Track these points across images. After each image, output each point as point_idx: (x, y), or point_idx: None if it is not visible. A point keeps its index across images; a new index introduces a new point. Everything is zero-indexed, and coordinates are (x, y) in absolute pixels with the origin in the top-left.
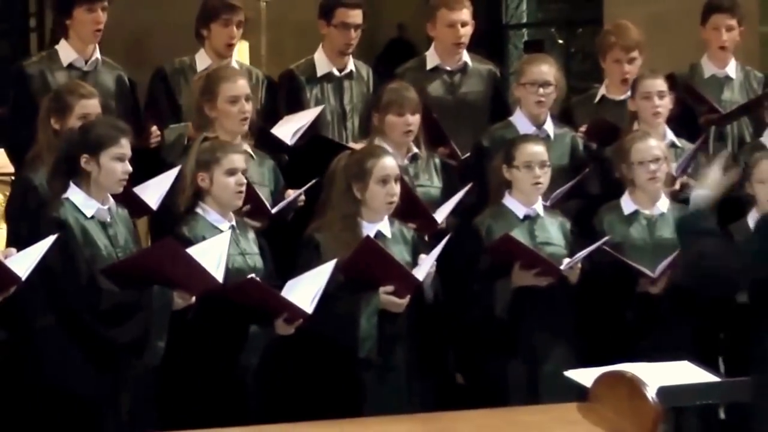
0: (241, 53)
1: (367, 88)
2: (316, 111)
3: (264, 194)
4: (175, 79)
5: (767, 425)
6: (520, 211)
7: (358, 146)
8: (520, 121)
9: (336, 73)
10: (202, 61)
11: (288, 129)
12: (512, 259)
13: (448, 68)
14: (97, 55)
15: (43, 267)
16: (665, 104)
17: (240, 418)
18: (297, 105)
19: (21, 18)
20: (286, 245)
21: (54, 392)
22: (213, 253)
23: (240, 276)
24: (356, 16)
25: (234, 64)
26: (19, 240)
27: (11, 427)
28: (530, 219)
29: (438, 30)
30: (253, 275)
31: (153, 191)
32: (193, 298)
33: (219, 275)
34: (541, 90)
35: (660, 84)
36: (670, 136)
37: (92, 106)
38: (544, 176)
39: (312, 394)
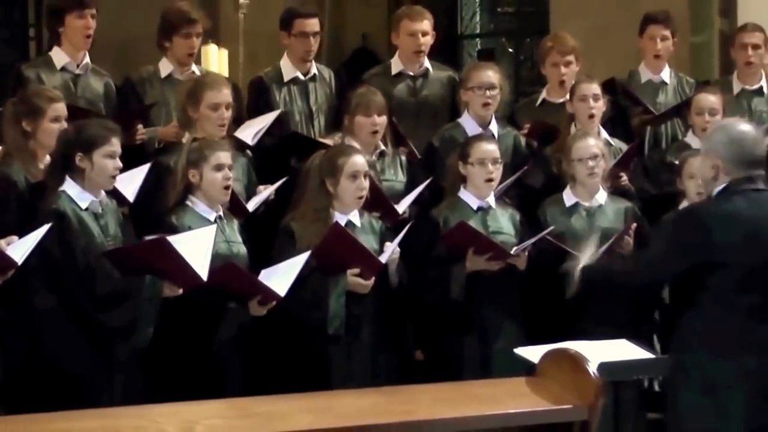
0: (220, 60)
1: (330, 90)
2: (275, 114)
3: (238, 188)
4: (141, 86)
5: (679, 396)
6: (474, 203)
7: (329, 141)
8: (468, 123)
9: (301, 77)
10: (165, 68)
11: (249, 131)
12: (466, 245)
13: (411, 74)
14: (87, 60)
15: (44, 253)
16: (599, 106)
17: (219, 391)
18: (266, 107)
19: (21, 28)
20: (259, 236)
21: (52, 367)
22: (199, 248)
23: (223, 261)
24: (313, 24)
25: (196, 71)
26: (3, 230)
27: (14, 400)
28: (483, 210)
29: (401, 39)
30: (233, 261)
31: (127, 185)
32: (180, 291)
33: (203, 273)
34: (487, 92)
35: (595, 88)
36: (605, 135)
37: (61, 108)
38: (496, 172)
39: (285, 367)
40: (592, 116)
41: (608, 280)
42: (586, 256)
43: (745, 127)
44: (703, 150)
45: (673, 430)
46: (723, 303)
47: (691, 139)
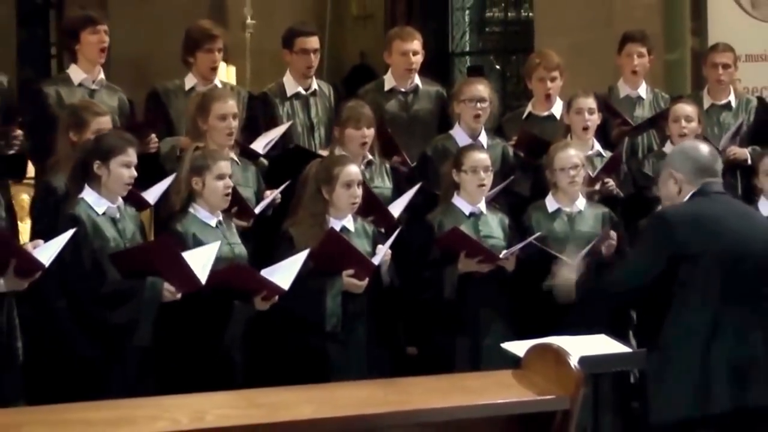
0: (229, 75)
1: (329, 103)
2: (284, 127)
3: (247, 194)
4: (166, 98)
5: (659, 384)
6: (467, 209)
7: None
8: (459, 134)
9: (302, 92)
10: (190, 82)
11: (261, 142)
12: (459, 248)
13: (403, 90)
14: (102, 76)
15: (59, 257)
16: (594, 119)
17: (226, 383)
18: (271, 120)
19: (43, 46)
20: (266, 237)
21: (70, 362)
22: (202, 258)
23: (226, 262)
24: (313, 42)
25: (218, 84)
26: (41, 234)
27: (37, 391)
28: (475, 216)
29: (393, 58)
30: (238, 261)
31: (154, 192)
32: (179, 295)
33: (203, 277)
34: (478, 105)
35: (591, 102)
36: (597, 147)
37: (105, 122)
38: (488, 179)
39: (287, 362)
40: (586, 128)
41: (602, 292)
42: (571, 262)
43: (699, 143)
44: (664, 171)
45: (655, 418)
46: (698, 293)
47: (669, 149)
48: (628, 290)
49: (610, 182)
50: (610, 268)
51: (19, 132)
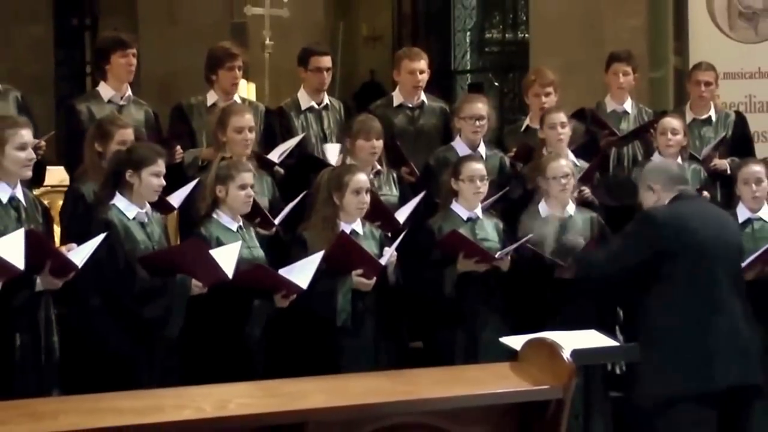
0: (249, 92)
1: (339, 117)
2: (298, 138)
3: (263, 202)
4: (189, 112)
5: (648, 365)
6: (464, 214)
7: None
8: (459, 146)
9: (316, 106)
10: (212, 98)
11: (276, 152)
12: (458, 250)
13: (410, 105)
14: (129, 92)
15: (92, 257)
16: (566, 132)
17: (247, 374)
18: (287, 132)
19: (79, 66)
20: (280, 243)
21: (102, 355)
22: (228, 256)
23: (247, 264)
24: (326, 61)
25: (238, 99)
26: (70, 238)
27: (72, 382)
28: (472, 221)
29: (401, 76)
30: (259, 263)
31: (178, 196)
32: (206, 288)
33: (229, 272)
34: (477, 123)
35: (562, 117)
36: (572, 157)
37: (128, 134)
38: (483, 187)
39: (302, 354)
40: (560, 140)
41: (587, 271)
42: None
43: (665, 159)
44: (641, 185)
45: (642, 400)
46: (681, 284)
47: (656, 158)
48: (604, 273)
49: (586, 190)
50: (595, 252)
51: (43, 143)
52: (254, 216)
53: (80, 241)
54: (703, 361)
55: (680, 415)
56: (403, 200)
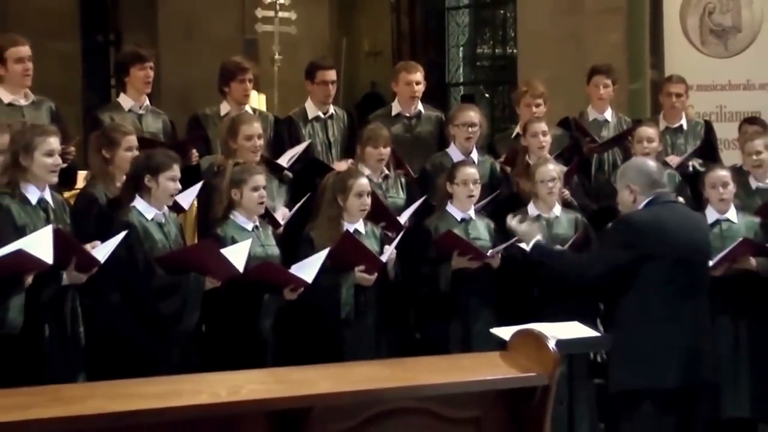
0: (260, 103)
1: (343, 125)
2: (305, 144)
3: (272, 205)
4: (205, 121)
5: (621, 360)
6: (458, 215)
7: (341, 165)
8: (454, 152)
9: (321, 115)
10: (225, 108)
11: (285, 157)
12: (452, 248)
13: (407, 114)
14: (147, 102)
15: (113, 255)
16: (547, 140)
17: (259, 363)
18: (295, 140)
19: (104, 78)
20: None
21: (124, 344)
22: (239, 253)
23: (259, 261)
24: (331, 74)
25: (249, 110)
26: (83, 237)
27: (97, 369)
28: (465, 221)
29: (399, 87)
30: (268, 260)
31: (186, 197)
32: (219, 283)
33: (240, 267)
34: (469, 129)
35: (543, 126)
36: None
37: (132, 140)
38: (476, 190)
39: (308, 344)
40: (542, 147)
41: (561, 269)
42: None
43: (647, 160)
44: (620, 183)
45: (614, 388)
46: (656, 286)
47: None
48: (586, 276)
49: (566, 192)
50: (579, 255)
51: (72, 149)
52: (261, 217)
53: (96, 240)
54: (661, 359)
55: (640, 409)
56: (410, 203)
